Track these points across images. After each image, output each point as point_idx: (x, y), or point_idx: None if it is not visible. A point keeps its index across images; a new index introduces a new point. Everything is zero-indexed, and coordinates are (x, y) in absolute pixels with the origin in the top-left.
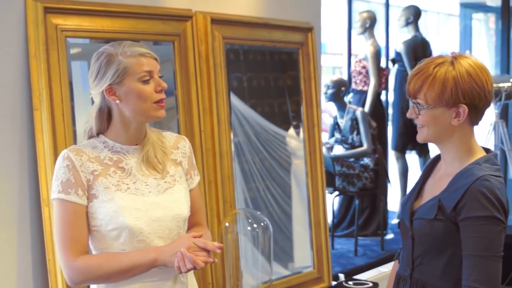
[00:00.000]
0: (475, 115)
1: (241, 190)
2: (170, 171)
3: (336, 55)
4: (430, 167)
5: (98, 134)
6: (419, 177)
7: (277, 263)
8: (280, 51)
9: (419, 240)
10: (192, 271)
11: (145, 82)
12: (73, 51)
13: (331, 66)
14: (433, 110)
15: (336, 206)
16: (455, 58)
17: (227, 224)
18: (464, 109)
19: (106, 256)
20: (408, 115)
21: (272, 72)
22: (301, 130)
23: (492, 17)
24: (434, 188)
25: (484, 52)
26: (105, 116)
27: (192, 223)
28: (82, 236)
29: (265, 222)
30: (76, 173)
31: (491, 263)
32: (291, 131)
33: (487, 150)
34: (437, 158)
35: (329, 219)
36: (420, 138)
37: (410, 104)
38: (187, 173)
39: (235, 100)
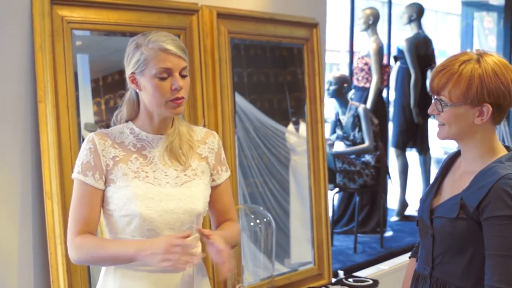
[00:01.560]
0: (499, 115)
1: (239, 185)
2: (193, 164)
3: (334, 52)
4: (448, 164)
5: (127, 120)
6: (437, 174)
7: (275, 259)
8: (281, 47)
9: (440, 239)
10: (203, 264)
11: (162, 78)
12: (78, 43)
13: (329, 63)
14: (456, 108)
15: (336, 203)
16: (480, 55)
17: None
18: (488, 108)
19: (98, 241)
20: (429, 111)
21: (272, 67)
22: (300, 126)
23: (488, 17)
24: (454, 186)
25: None
26: (135, 103)
27: (223, 219)
28: (91, 218)
29: (268, 218)
30: (97, 157)
31: None
32: (290, 127)
33: (508, 148)
34: (456, 154)
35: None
36: (440, 135)
37: (433, 100)
38: (214, 169)
39: (235, 96)
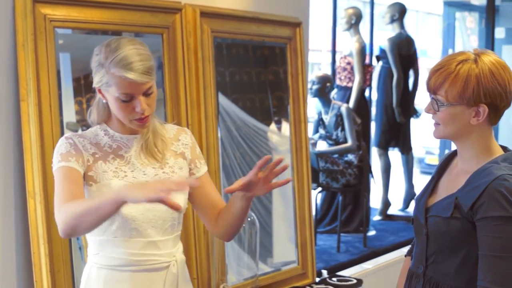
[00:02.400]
0: (495, 116)
1: (222, 185)
2: (170, 162)
3: (315, 51)
4: (445, 163)
5: (100, 122)
6: (434, 173)
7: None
8: (263, 46)
9: (434, 238)
10: (185, 264)
11: (125, 101)
12: (60, 41)
13: (310, 62)
14: (453, 107)
15: (319, 202)
16: (477, 55)
17: None
18: (484, 109)
19: (82, 199)
20: (425, 110)
21: (254, 67)
22: (283, 125)
23: (469, 17)
24: (450, 185)
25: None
26: (105, 107)
27: (217, 210)
28: (78, 193)
29: (252, 218)
30: (78, 150)
31: (507, 264)
32: (273, 126)
33: (504, 148)
34: (453, 154)
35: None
36: (436, 135)
37: (429, 99)
38: (191, 162)
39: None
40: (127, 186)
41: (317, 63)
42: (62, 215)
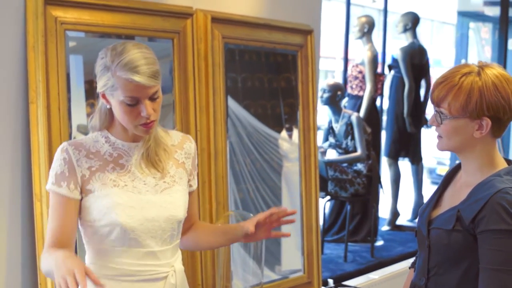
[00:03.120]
0: (498, 128)
1: (231, 191)
2: (171, 171)
3: (329, 58)
4: (450, 175)
5: (101, 129)
6: (439, 185)
7: (265, 266)
8: (275, 53)
9: (436, 250)
10: (184, 274)
11: (131, 105)
12: (71, 44)
13: (324, 70)
14: (456, 120)
15: (327, 211)
16: (481, 68)
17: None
18: (487, 122)
19: (50, 253)
20: (429, 122)
21: (266, 73)
22: (294, 132)
23: (484, 27)
24: (453, 197)
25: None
26: (107, 113)
27: (189, 224)
28: (65, 229)
29: None
30: (72, 167)
31: (508, 277)
32: (284, 133)
33: (509, 161)
34: (458, 166)
35: (320, 224)
36: (439, 147)
37: (433, 111)
38: (190, 174)
39: (229, 100)
40: (56, 266)
41: (331, 71)
42: (41, 264)
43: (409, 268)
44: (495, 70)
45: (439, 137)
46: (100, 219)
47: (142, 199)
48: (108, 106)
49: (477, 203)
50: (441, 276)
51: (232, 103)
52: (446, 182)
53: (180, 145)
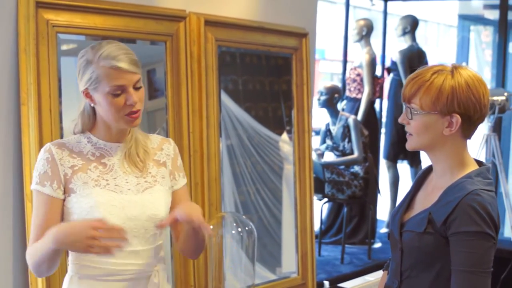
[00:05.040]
0: (468, 128)
1: (231, 193)
2: (152, 171)
3: (335, 61)
4: (422, 178)
5: (84, 131)
6: (410, 188)
7: (265, 267)
8: (276, 56)
9: (408, 253)
10: (165, 273)
11: (116, 95)
12: (64, 47)
13: (329, 72)
14: (426, 116)
15: (325, 213)
16: (455, 68)
17: (211, 227)
18: (457, 119)
19: (35, 244)
20: (400, 120)
21: (267, 76)
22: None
23: (485, 31)
24: (425, 200)
25: (477, 65)
26: (90, 115)
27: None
28: (50, 227)
29: (250, 226)
30: (55, 166)
31: (479, 279)
32: (284, 136)
33: (480, 163)
34: (430, 169)
35: (317, 225)
36: (409, 145)
37: (404, 108)
38: (171, 174)
39: (229, 103)
40: (64, 239)
41: (337, 73)
42: (28, 261)
43: (383, 270)
44: (469, 72)
45: (409, 135)
46: (83, 218)
47: (124, 198)
48: (91, 105)
49: (448, 205)
50: (413, 279)
51: (233, 105)
52: (418, 184)
53: (159, 147)
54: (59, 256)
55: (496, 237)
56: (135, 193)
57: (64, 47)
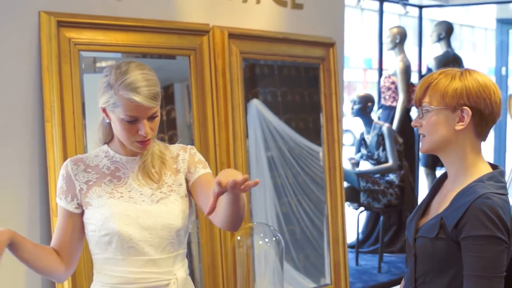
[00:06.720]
0: (480, 124)
1: (273, 205)
2: (169, 181)
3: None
4: (438, 183)
5: (104, 141)
6: (427, 194)
7: (309, 279)
8: (313, 67)
9: (422, 259)
10: (186, 282)
11: (130, 122)
12: (86, 64)
13: (371, 81)
14: (437, 112)
15: (363, 222)
16: (465, 69)
17: (238, 238)
18: (468, 112)
19: None
20: (413, 124)
21: (306, 87)
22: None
23: None
24: (439, 205)
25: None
26: (106, 128)
27: None
28: (62, 240)
29: (278, 237)
30: (70, 182)
31: (491, 283)
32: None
33: (494, 167)
34: (446, 175)
35: (354, 235)
36: (422, 148)
37: (416, 112)
38: (188, 170)
39: (269, 115)
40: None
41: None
42: None
43: (404, 278)
44: (479, 73)
45: (423, 137)
46: (99, 229)
47: (138, 208)
48: (107, 121)
49: (459, 210)
50: (427, 285)
51: (272, 117)
52: (434, 190)
53: (177, 156)
54: (25, 262)
55: (509, 241)
56: (150, 204)
57: (86, 65)
